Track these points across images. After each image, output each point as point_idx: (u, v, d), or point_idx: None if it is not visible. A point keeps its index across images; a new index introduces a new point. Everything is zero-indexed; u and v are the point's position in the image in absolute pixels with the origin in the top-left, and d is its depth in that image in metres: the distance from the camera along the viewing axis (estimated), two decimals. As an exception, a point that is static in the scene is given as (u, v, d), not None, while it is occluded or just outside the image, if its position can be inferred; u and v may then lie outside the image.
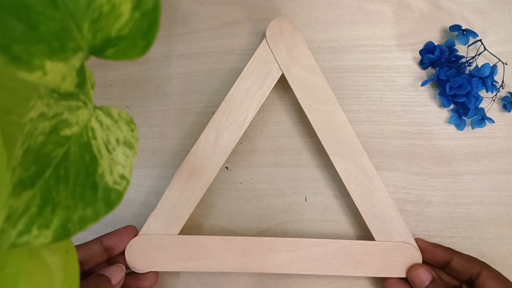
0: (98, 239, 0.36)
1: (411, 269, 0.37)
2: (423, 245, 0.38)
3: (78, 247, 0.35)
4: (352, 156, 0.39)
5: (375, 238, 0.39)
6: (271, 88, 0.39)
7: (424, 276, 0.35)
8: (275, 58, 0.39)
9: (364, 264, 0.38)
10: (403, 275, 0.38)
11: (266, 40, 0.39)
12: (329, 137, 0.39)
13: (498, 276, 0.34)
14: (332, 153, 0.39)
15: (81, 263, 0.35)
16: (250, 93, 0.39)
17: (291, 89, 0.40)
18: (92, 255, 0.35)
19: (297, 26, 0.40)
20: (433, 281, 0.34)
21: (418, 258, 0.38)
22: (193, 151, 0.39)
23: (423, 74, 0.43)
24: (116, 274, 0.35)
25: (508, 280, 0.34)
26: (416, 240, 0.38)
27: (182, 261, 0.38)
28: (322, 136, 0.39)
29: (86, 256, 0.35)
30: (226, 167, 0.42)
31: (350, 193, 0.39)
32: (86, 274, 0.36)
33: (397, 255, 0.38)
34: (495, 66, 0.41)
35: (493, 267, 0.40)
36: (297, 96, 0.39)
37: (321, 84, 0.39)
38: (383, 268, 0.38)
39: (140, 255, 0.38)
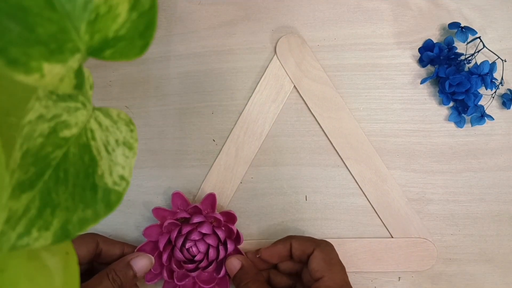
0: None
1: (227, 259, 0.37)
2: (266, 254, 0.37)
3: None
4: (365, 159, 0.41)
5: (392, 235, 0.41)
6: (284, 101, 0.42)
7: (235, 263, 0.37)
8: (286, 73, 0.41)
9: (383, 261, 0.40)
10: (421, 269, 0.40)
11: (277, 56, 0.41)
12: (342, 143, 0.41)
13: (324, 257, 0.34)
14: (346, 157, 0.41)
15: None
16: (265, 107, 0.42)
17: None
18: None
19: (305, 40, 0.41)
20: (241, 268, 0.36)
21: (434, 252, 0.40)
22: (216, 164, 0.41)
23: (422, 71, 0.43)
24: (142, 266, 0.36)
25: (335, 262, 0.34)
26: (259, 251, 0.37)
27: None
28: (336, 142, 0.41)
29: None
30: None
31: (366, 194, 0.41)
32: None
33: (414, 250, 0.40)
34: (494, 63, 0.41)
35: (494, 264, 0.40)
36: (308, 106, 0.41)
37: (331, 93, 0.41)
38: (401, 263, 0.40)
39: None
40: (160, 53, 0.43)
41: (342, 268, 0.35)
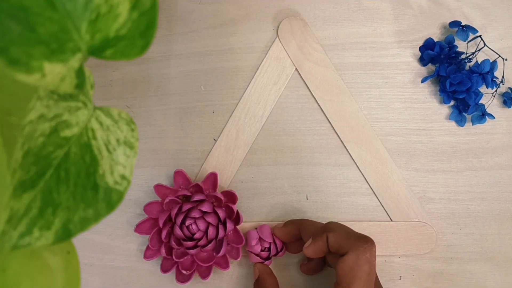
0: None
1: (254, 265, 0.39)
2: (310, 252, 0.35)
3: None
4: (366, 142, 0.41)
5: (392, 219, 0.41)
6: (286, 83, 0.42)
7: (255, 272, 0.39)
8: (288, 55, 0.42)
9: (382, 244, 0.40)
10: (420, 252, 0.40)
11: (279, 38, 0.41)
12: (343, 126, 0.41)
13: (352, 267, 0.32)
14: (347, 140, 0.41)
15: None
16: (266, 89, 0.42)
17: (291, 87, 0.40)
18: None
19: (307, 23, 0.41)
20: (257, 279, 0.38)
21: (433, 235, 0.40)
22: (216, 146, 0.42)
23: (423, 70, 0.43)
24: None
25: (360, 276, 0.32)
26: (273, 229, 0.39)
27: None
28: (336, 125, 0.41)
29: None
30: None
31: (366, 177, 0.41)
32: None
33: (413, 234, 0.40)
34: (495, 62, 0.41)
35: (495, 263, 0.40)
36: (310, 89, 0.42)
37: (333, 76, 0.41)
38: (401, 247, 0.40)
39: None
40: (160, 53, 0.43)
41: (365, 285, 0.32)
